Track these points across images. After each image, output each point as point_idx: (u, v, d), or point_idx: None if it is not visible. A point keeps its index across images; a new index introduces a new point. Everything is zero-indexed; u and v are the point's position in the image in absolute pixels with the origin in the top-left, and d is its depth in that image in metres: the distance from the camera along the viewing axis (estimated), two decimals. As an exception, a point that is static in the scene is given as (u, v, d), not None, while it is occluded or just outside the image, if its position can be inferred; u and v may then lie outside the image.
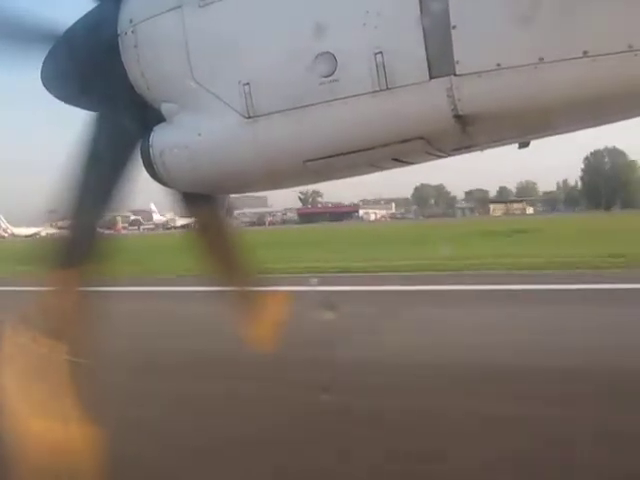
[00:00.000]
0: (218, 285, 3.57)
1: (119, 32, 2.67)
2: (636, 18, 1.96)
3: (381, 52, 2.19)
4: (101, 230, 2.84)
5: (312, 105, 2.34)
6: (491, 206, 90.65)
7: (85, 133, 2.84)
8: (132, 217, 78.36)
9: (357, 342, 5.41)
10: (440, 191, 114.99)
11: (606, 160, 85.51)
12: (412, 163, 2.76)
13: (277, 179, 2.79)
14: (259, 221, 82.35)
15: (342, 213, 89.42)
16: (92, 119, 2.88)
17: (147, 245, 21.49)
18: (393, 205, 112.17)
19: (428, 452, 3.10)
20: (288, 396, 4.05)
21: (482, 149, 2.71)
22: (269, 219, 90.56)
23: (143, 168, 2.76)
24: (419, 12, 2.13)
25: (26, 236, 69.56)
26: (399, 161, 2.64)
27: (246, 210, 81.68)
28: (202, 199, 3.22)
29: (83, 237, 2.77)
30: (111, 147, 2.79)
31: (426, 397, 3.92)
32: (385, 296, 8.74)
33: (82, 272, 2.67)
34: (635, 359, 4.42)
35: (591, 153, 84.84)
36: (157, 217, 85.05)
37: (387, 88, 2.22)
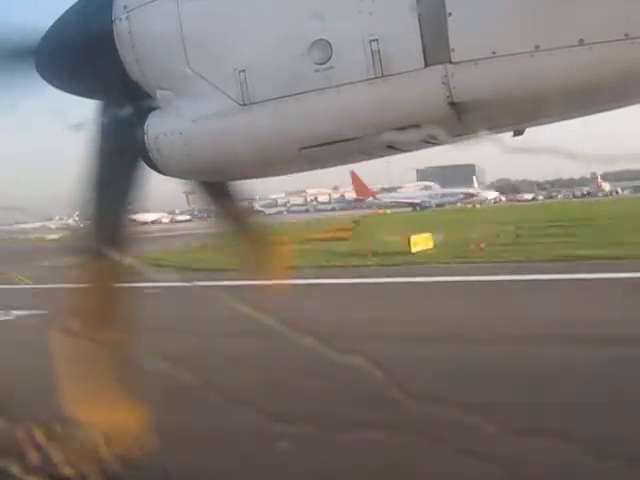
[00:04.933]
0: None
1: (113, 18, 2.65)
2: (632, 7, 1.96)
3: (376, 39, 2.18)
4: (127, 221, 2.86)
5: (307, 92, 2.34)
6: None
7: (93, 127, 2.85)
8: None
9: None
10: None
11: None
12: (407, 150, 2.76)
13: (271, 166, 2.79)
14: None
15: None
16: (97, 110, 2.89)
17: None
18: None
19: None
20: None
21: (477, 137, 2.71)
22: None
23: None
24: None
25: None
26: (394, 148, 2.63)
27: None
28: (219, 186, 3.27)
29: (108, 229, 2.80)
30: (115, 136, 2.80)
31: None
32: None
33: (113, 264, 2.70)
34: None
35: None
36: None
37: (382, 75, 2.21)
